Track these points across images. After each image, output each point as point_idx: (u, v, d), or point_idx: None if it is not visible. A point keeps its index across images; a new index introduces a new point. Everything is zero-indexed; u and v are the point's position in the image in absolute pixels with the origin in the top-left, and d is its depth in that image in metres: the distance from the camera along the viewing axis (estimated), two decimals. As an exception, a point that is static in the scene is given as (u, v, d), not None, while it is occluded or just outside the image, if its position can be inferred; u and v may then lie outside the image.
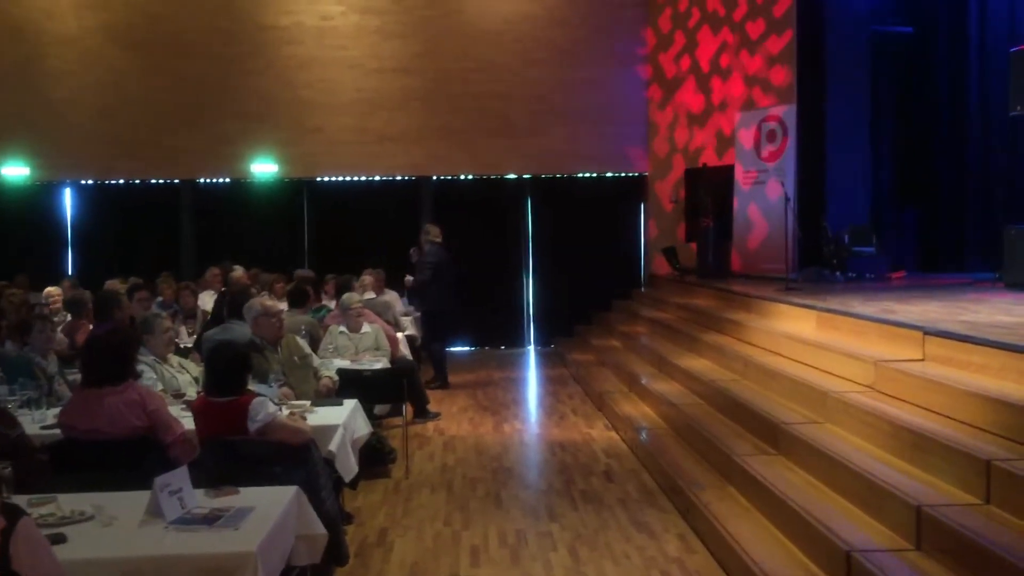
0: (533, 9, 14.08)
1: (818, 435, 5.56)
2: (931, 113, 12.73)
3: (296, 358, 6.37)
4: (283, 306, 9.42)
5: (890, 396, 5.65)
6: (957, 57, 12.59)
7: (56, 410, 4.99)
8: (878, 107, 12.49)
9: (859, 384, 6.05)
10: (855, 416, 5.54)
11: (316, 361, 6.63)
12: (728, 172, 12.71)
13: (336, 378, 6.56)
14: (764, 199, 11.93)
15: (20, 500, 3.37)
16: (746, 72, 12.81)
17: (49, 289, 9.79)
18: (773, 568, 4.54)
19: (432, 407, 9.31)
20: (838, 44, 12.12)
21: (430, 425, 8.92)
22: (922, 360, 5.89)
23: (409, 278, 10.75)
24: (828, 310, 7.56)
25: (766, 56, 12.44)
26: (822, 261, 11.39)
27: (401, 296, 11.21)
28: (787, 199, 10.57)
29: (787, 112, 11.79)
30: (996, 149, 12.06)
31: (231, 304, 7.38)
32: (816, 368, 6.75)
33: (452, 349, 11.79)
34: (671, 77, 13.94)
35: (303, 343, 6.64)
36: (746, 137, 12.31)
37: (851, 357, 6.31)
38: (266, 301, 6.57)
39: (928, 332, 5.94)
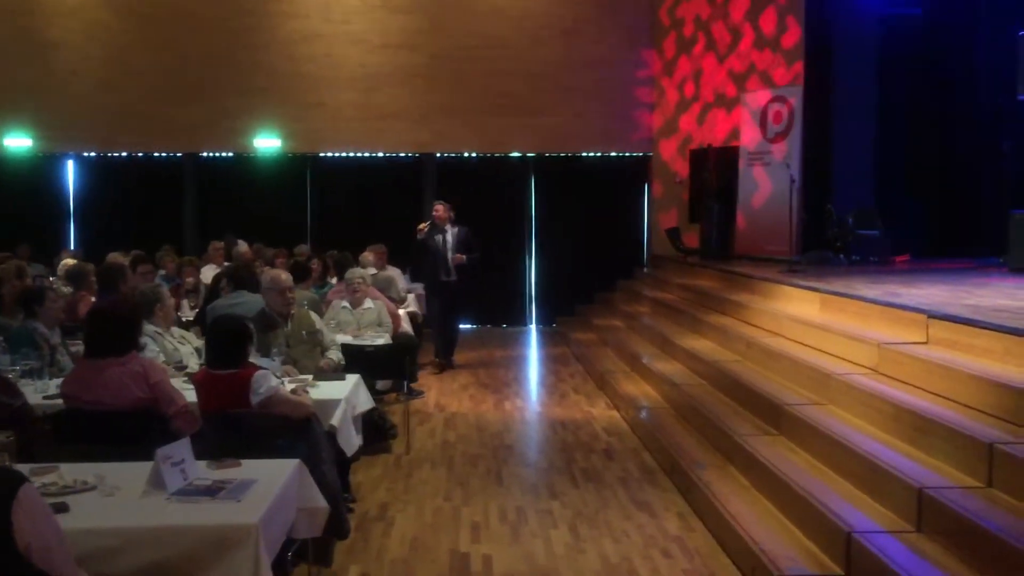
0: (539, -14, 13.99)
1: (820, 416, 5.56)
2: (938, 96, 12.65)
3: (304, 332, 6.33)
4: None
5: (893, 379, 5.64)
6: (965, 40, 12.49)
7: (58, 380, 4.98)
8: (885, 90, 12.42)
9: (862, 366, 6.04)
10: (858, 398, 5.53)
11: (328, 338, 6.53)
12: (733, 153, 12.67)
13: (341, 360, 6.47)
14: (769, 181, 11.89)
15: (23, 469, 3.36)
16: (753, 53, 12.73)
17: (67, 259, 9.81)
18: (773, 548, 4.55)
19: (433, 384, 9.37)
20: (846, 26, 12.05)
21: (431, 401, 8.93)
22: (926, 343, 5.88)
23: (461, 256, 10.32)
24: (832, 292, 7.55)
25: (774, 38, 12.35)
26: (826, 244, 11.35)
27: (403, 272, 11.19)
28: (792, 181, 10.54)
29: (794, 94, 11.73)
30: (1004, 133, 11.99)
31: (236, 276, 7.40)
32: (819, 350, 6.74)
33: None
34: (677, 57, 13.86)
35: (315, 319, 6.58)
36: (752, 118, 12.25)
37: (854, 339, 6.30)
38: (280, 274, 6.54)
39: (932, 315, 5.93)
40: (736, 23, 12.99)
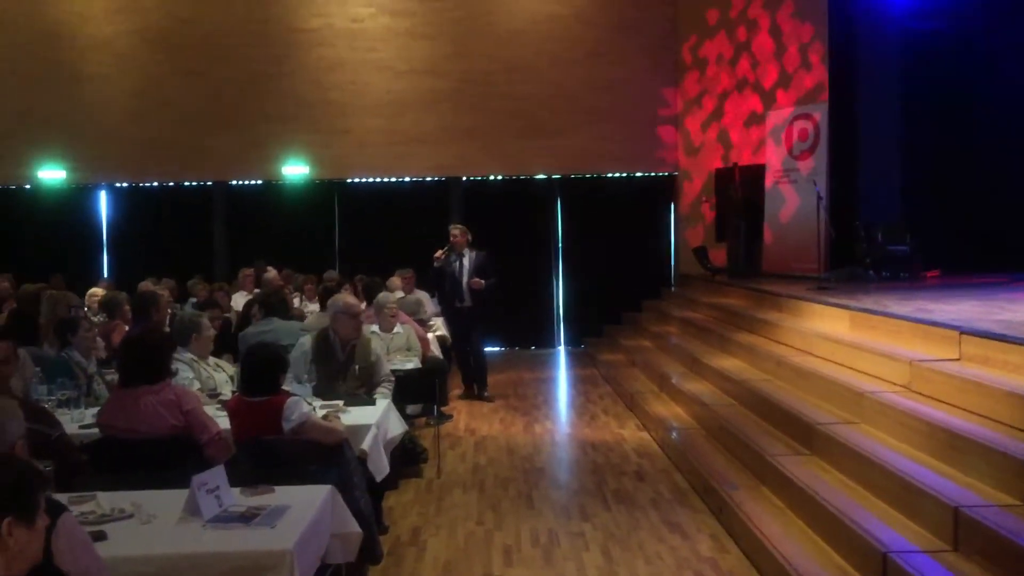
0: (561, 9, 14.08)
1: (852, 435, 5.52)
2: (965, 110, 12.56)
3: (356, 368, 6.18)
4: (315, 306, 9.54)
5: (926, 396, 5.60)
6: (993, 54, 12.42)
7: (94, 410, 5.05)
8: (912, 105, 12.35)
9: (894, 384, 5.99)
10: (891, 416, 5.49)
11: (383, 371, 6.32)
12: (759, 171, 12.64)
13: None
14: (796, 197, 11.85)
15: (61, 498, 3.41)
16: (777, 70, 12.73)
17: (93, 289, 9.94)
18: (807, 569, 4.51)
19: (462, 407, 9.36)
20: (871, 42, 12.02)
21: (461, 425, 8.94)
22: (958, 360, 5.82)
23: (480, 281, 9.95)
24: (862, 309, 7.50)
25: (798, 54, 12.34)
26: (855, 260, 11.28)
27: (432, 296, 11.24)
28: (819, 198, 10.49)
29: (819, 110, 11.70)
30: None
31: (267, 302, 7.47)
32: (850, 368, 6.70)
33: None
34: (701, 75, 13.88)
35: (375, 349, 6.39)
36: (778, 136, 12.23)
37: (886, 357, 6.26)
38: (350, 299, 6.52)
39: (964, 331, 5.88)
40: (759, 40, 12.99)
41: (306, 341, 6.30)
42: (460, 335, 10.27)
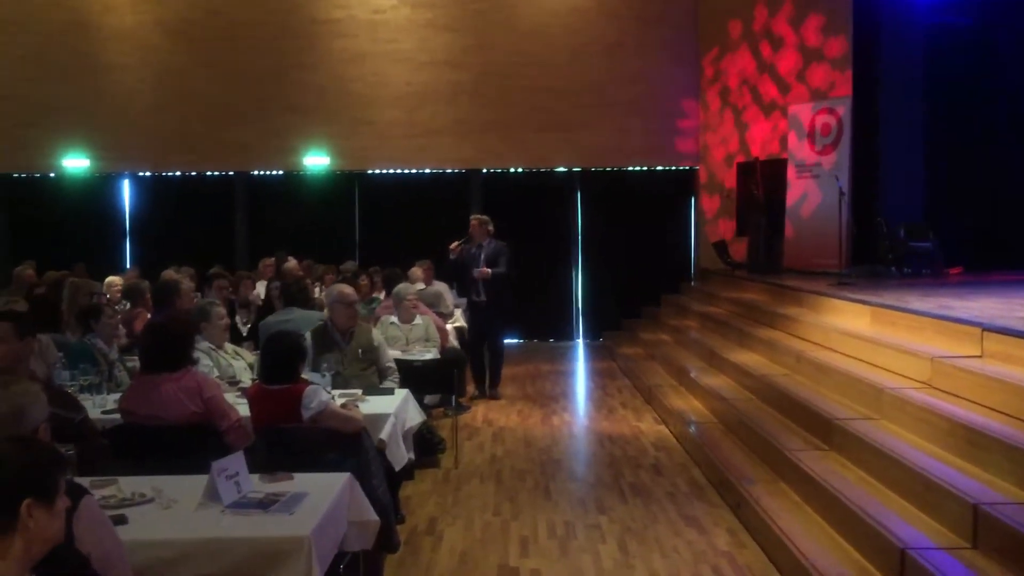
0: (582, 2, 14.05)
1: (872, 431, 5.49)
2: (990, 107, 12.45)
3: (360, 351, 6.32)
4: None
5: (947, 393, 5.56)
6: (1016, 50, 12.29)
7: (116, 395, 5.10)
8: (935, 101, 12.24)
9: (915, 380, 5.95)
10: (911, 413, 5.45)
11: (385, 358, 6.45)
12: (781, 166, 12.56)
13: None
14: (817, 194, 11.78)
15: (83, 482, 3.44)
16: (801, 63, 12.64)
17: (110, 278, 9.99)
18: (825, 564, 4.49)
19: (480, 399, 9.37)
20: (894, 36, 11.92)
21: (479, 416, 8.96)
22: (980, 356, 5.78)
23: (486, 271, 9.50)
24: (883, 305, 7.45)
25: (821, 47, 12.25)
26: (877, 256, 11.20)
27: (451, 288, 11.25)
28: (841, 193, 10.43)
29: (842, 104, 11.62)
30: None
31: (287, 292, 7.50)
32: (871, 364, 6.65)
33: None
34: (723, 68, 13.81)
35: (376, 336, 6.54)
36: (800, 131, 12.15)
37: (907, 353, 6.22)
38: (345, 288, 6.60)
39: (987, 328, 5.83)
40: (782, 34, 12.91)
41: (307, 337, 6.32)
42: (476, 331, 9.86)
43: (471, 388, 9.76)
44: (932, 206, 11.97)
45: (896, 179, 11.88)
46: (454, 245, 9.73)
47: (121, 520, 3.33)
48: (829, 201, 10.96)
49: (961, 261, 11.41)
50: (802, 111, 12.18)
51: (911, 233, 11.09)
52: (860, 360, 6.85)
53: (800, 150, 12.15)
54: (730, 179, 13.82)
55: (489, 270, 9.51)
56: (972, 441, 4.76)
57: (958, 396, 5.44)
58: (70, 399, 4.51)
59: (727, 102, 13.82)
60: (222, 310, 6.30)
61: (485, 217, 9.92)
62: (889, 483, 4.98)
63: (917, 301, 7.55)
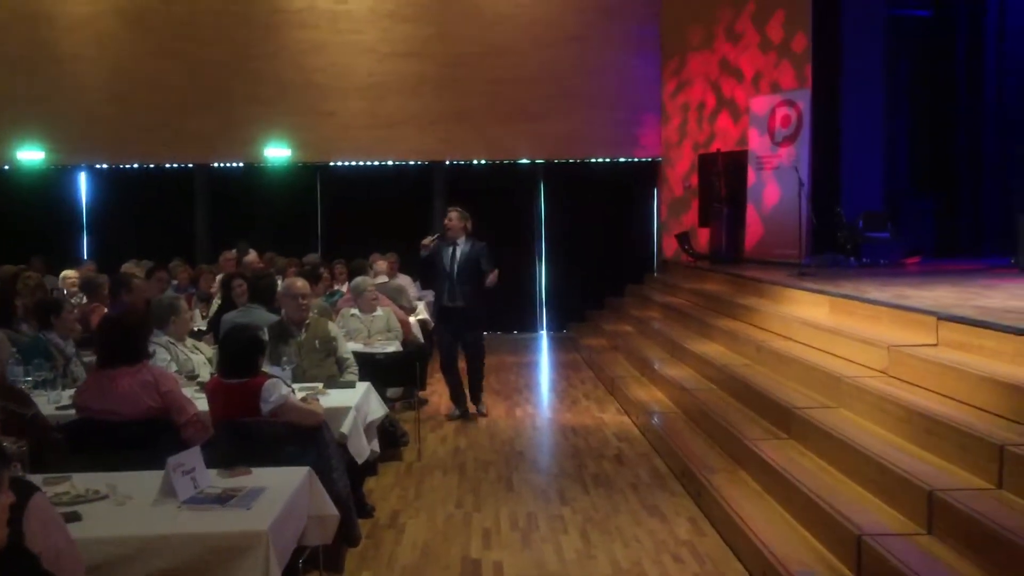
0: (546, -8, 14.04)
1: (830, 420, 5.55)
2: (948, 98, 12.63)
3: (317, 342, 6.30)
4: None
5: (903, 381, 5.63)
6: (975, 42, 12.47)
7: (72, 391, 5.02)
8: (894, 92, 12.40)
9: (872, 369, 6.03)
10: (868, 401, 5.52)
11: (343, 348, 6.45)
12: (741, 157, 12.65)
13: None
14: (778, 185, 11.87)
15: (35, 479, 3.40)
16: (761, 57, 12.73)
17: (66, 272, 9.85)
18: (784, 552, 4.54)
19: (443, 391, 9.30)
20: (854, 28, 12.02)
21: (442, 409, 8.92)
22: (936, 345, 5.86)
23: (494, 278, 8.41)
24: (841, 295, 7.54)
25: (781, 41, 12.34)
26: (836, 247, 11.33)
27: (414, 281, 11.21)
28: (801, 184, 10.52)
29: (802, 97, 11.71)
30: (1013, 134, 11.96)
31: (256, 287, 7.40)
32: (829, 353, 6.73)
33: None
34: (686, 61, 13.86)
35: (332, 328, 6.53)
36: (760, 122, 12.24)
37: (864, 342, 6.29)
38: (295, 281, 6.55)
39: (942, 317, 5.92)
40: (743, 28, 12.97)
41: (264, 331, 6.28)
42: (449, 341, 8.61)
43: (450, 407, 8.71)
44: (891, 196, 12.13)
45: (855, 170, 12.00)
46: (426, 241, 8.46)
47: (75, 517, 3.29)
48: (789, 193, 11.06)
49: (919, 251, 11.57)
50: (762, 104, 12.27)
51: (869, 223, 11.22)
52: (819, 349, 6.92)
53: (761, 143, 12.23)
54: (692, 171, 13.89)
55: (495, 276, 8.38)
56: (928, 429, 4.83)
57: (914, 384, 5.51)
58: (21, 394, 4.44)
59: (689, 94, 13.88)
60: (185, 304, 6.24)
61: (465, 212, 8.61)
62: (847, 471, 5.05)
63: (875, 291, 7.64)
